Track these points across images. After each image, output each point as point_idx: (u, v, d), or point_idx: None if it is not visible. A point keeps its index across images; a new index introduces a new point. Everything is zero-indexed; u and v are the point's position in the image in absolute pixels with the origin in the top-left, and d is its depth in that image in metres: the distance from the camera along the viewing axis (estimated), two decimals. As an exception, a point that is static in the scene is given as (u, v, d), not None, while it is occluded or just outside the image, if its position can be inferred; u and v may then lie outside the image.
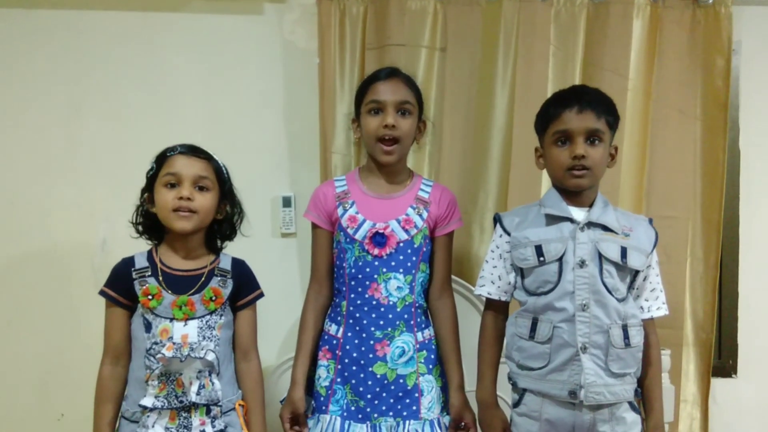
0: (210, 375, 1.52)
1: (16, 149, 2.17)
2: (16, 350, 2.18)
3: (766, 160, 2.27)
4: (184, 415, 1.50)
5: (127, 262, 1.56)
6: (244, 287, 1.62)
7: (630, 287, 1.53)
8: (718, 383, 2.25)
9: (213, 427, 1.52)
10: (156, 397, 1.48)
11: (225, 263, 1.61)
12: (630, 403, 1.51)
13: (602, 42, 2.12)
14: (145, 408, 1.48)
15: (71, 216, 2.18)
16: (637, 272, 1.52)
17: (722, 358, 2.29)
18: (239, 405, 1.58)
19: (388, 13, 2.08)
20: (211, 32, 2.20)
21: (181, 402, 1.49)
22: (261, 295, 1.66)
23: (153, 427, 1.48)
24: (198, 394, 1.50)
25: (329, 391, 1.62)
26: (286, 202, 2.21)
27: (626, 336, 1.47)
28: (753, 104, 2.27)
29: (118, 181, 2.13)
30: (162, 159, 1.56)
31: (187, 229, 1.53)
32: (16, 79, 2.16)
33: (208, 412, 1.52)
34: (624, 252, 1.49)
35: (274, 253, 2.22)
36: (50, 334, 2.18)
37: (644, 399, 1.55)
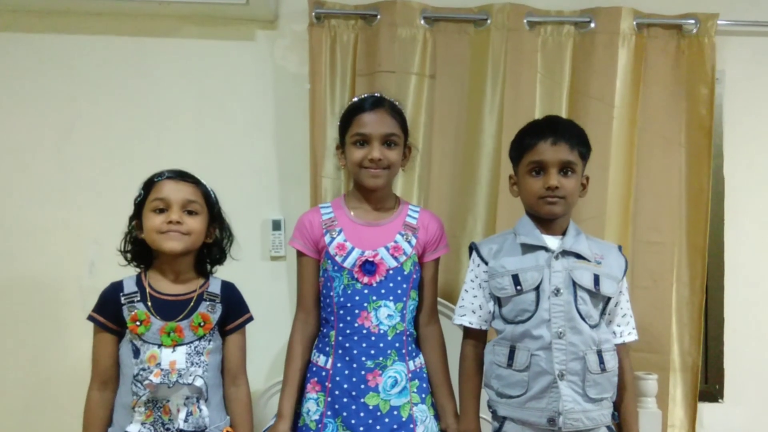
0: (198, 401, 1.52)
1: (5, 171, 2.20)
2: (1, 373, 2.18)
3: (750, 187, 2.33)
4: None
5: (116, 287, 1.56)
6: (234, 311, 1.62)
7: (602, 313, 1.57)
8: (705, 408, 2.28)
9: (199, 453, 1.53)
10: (142, 423, 1.48)
11: (214, 287, 1.61)
12: (608, 427, 1.55)
13: (588, 70, 2.18)
14: None
15: (59, 238, 2.20)
16: (609, 299, 1.57)
17: (709, 383, 2.33)
18: (227, 431, 1.57)
19: (379, 40, 2.14)
20: (202, 57, 2.25)
21: (168, 429, 1.49)
22: (250, 318, 1.66)
23: (138, 453, 1.49)
24: (186, 421, 1.49)
25: (319, 425, 1.59)
26: (276, 226, 2.24)
27: (601, 361, 1.51)
28: (736, 132, 2.33)
29: (108, 204, 2.15)
30: (149, 185, 1.56)
31: (177, 249, 1.53)
32: (6, 102, 2.20)
33: (195, 439, 1.53)
34: (597, 279, 1.53)
35: (263, 277, 2.24)
36: (36, 357, 2.19)
37: (621, 423, 1.59)
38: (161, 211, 1.53)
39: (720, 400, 2.32)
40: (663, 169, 2.20)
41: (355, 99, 1.70)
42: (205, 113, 2.24)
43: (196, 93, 2.24)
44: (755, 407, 2.33)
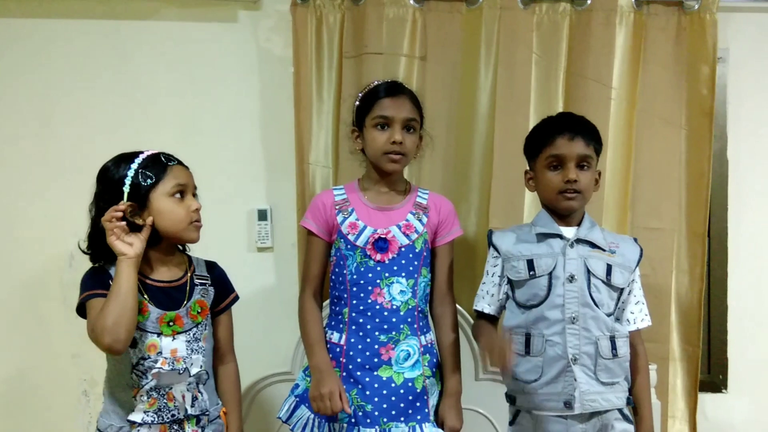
0: (198, 386, 1.61)
1: (-19, 162, 2.23)
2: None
3: (755, 170, 2.38)
4: (175, 427, 1.58)
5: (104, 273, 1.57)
6: (222, 292, 1.72)
7: (617, 302, 1.70)
8: (708, 398, 2.35)
9: (204, 436, 1.62)
10: (145, 411, 1.55)
11: (201, 269, 1.69)
12: (621, 412, 1.67)
13: (585, 50, 2.22)
14: (133, 423, 1.55)
15: (38, 231, 2.24)
16: (622, 289, 1.69)
17: (712, 373, 2.38)
18: (224, 412, 1.68)
19: (366, 21, 2.17)
20: (183, 41, 2.27)
21: (173, 415, 1.57)
22: (236, 298, 1.77)
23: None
24: (193, 406, 1.59)
25: None
26: (262, 215, 2.28)
27: (614, 347, 1.65)
28: (741, 113, 2.37)
29: (87, 194, 2.18)
30: (163, 170, 1.59)
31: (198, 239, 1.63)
32: (-19, 90, 2.22)
33: (198, 422, 1.61)
34: (609, 270, 1.67)
35: (249, 269, 2.28)
36: (17, 353, 2.24)
37: (635, 406, 1.72)
38: (182, 195, 1.59)
39: (723, 391, 2.39)
40: (662, 153, 2.24)
41: (376, 83, 1.82)
42: (187, 100, 2.27)
43: (176, 78, 2.27)
44: (760, 398, 2.39)
